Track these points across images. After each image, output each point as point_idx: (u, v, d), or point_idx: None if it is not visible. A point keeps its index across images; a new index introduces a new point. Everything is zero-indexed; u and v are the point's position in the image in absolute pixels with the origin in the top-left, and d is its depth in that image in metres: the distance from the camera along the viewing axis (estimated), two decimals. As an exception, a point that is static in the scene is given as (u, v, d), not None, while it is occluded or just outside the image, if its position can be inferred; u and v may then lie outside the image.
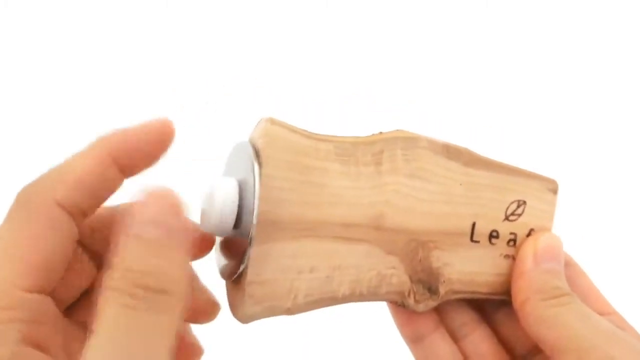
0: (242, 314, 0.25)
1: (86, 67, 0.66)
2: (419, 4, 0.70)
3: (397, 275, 0.28)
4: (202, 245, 0.27)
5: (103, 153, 0.24)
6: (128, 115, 0.64)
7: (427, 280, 0.29)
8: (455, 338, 0.32)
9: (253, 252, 0.25)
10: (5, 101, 0.64)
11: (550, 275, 0.29)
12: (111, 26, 0.68)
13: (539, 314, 0.28)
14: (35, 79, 0.65)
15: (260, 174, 0.24)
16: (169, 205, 0.21)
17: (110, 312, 0.20)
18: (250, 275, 0.25)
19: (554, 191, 0.32)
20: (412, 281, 0.29)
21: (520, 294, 0.29)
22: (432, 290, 0.29)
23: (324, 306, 0.27)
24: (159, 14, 0.69)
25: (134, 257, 0.20)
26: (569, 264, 0.31)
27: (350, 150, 0.27)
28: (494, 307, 0.32)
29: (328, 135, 0.27)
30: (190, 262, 0.23)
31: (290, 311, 0.26)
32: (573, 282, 0.30)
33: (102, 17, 0.69)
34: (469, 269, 0.30)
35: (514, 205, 0.31)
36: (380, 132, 0.28)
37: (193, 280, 0.28)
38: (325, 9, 0.69)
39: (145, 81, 0.65)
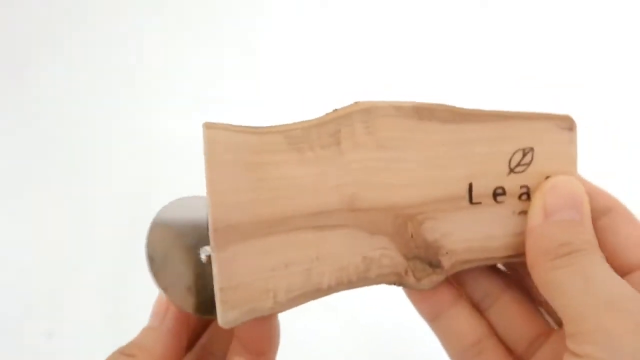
0: (221, 320, 0.25)
1: (87, 67, 0.68)
2: (419, 4, 0.68)
3: (389, 256, 0.26)
4: None
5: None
6: (128, 116, 0.66)
7: (425, 256, 0.27)
8: (480, 310, 0.29)
9: (218, 259, 0.24)
10: (5, 101, 0.67)
11: (560, 228, 0.24)
12: (111, 26, 0.70)
13: (544, 278, 0.24)
14: (36, 79, 0.68)
15: (207, 181, 0.24)
16: None
17: None
18: (220, 282, 0.25)
19: (570, 128, 0.28)
20: (407, 259, 0.27)
21: (529, 255, 0.25)
22: (433, 264, 0.27)
23: (310, 299, 0.26)
24: (159, 14, 0.71)
25: None
26: (611, 210, 0.26)
27: (302, 137, 0.25)
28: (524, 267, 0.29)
29: (275, 126, 0.25)
30: None
31: (274, 309, 0.26)
32: (613, 232, 0.26)
33: (103, 17, 0.71)
34: (476, 234, 0.27)
35: (519, 155, 0.27)
36: (335, 110, 0.26)
37: None
38: (325, 9, 0.68)
39: (146, 81, 0.66)
